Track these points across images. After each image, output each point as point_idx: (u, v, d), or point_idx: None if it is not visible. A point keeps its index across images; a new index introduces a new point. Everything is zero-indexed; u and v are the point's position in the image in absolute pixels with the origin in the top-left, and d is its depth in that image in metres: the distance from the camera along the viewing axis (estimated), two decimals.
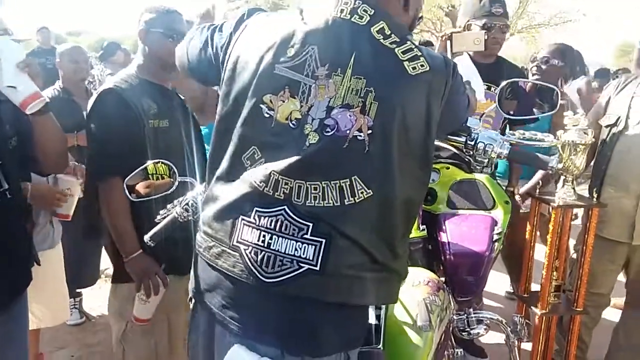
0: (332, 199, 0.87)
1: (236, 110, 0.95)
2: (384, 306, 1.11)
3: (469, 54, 2.24)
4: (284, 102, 0.91)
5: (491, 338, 2.37)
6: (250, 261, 0.90)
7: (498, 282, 3.24)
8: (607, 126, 2.10)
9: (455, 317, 1.38)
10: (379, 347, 1.04)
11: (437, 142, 1.18)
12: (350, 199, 0.88)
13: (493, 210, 1.46)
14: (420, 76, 0.89)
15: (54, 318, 2.00)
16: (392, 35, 0.91)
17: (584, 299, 2.20)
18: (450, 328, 1.34)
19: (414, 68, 0.89)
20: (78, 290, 2.75)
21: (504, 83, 1.13)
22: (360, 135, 0.87)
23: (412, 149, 0.90)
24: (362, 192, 0.88)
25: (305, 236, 0.88)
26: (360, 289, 0.91)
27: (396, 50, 0.90)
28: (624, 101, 2.07)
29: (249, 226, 0.91)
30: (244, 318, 0.92)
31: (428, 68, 0.89)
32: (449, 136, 1.11)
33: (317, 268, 0.87)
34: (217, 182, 0.99)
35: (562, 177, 1.88)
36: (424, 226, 1.39)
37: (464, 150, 1.09)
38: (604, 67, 6.40)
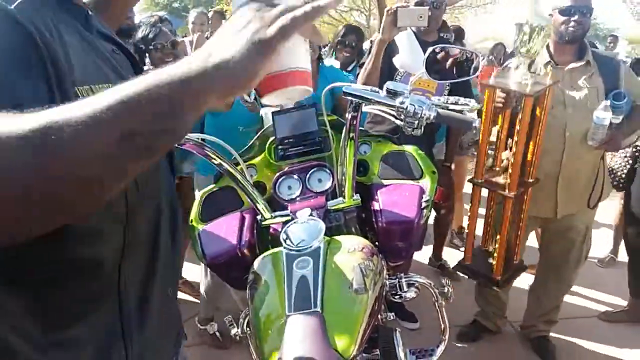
0: None
1: None
2: (320, 271, 1.14)
3: (414, 32, 2.31)
4: None
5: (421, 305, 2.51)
6: None
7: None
8: None
9: (387, 281, 1.44)
10: (317, 309, 1.07)
11: (375, 111, 1.23)
12: None
13: (421, 179, 1.53)
14: None
15: None
16: None
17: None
18: (384, 292, 1.40)
19: None
20: None
21: (430, 49, 1.18)
22: None
23: None
24: None
25: None
26: None
27: None
28: None
29: None
30: None
31: None
32: (380, 100, 1.15)
33: None
34: None
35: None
36: (358, 195, 1.43)
37: (396, 113, 1.13)
38: None
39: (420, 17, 1.95)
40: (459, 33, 4.32)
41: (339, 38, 3.37)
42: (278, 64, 0.61)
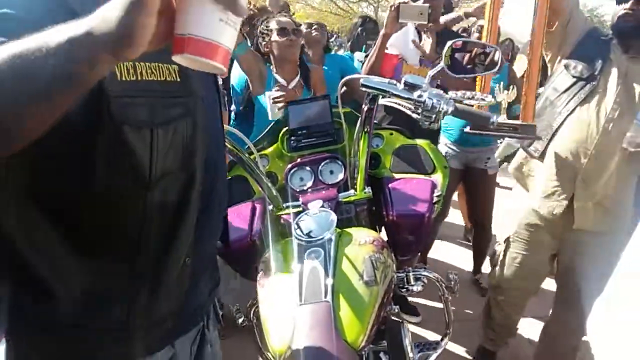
0: None
1: None
2: (331, 262, 1.14)
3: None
4: None
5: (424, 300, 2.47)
6: None
7: None
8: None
9: (395, 275, 1.45)
10: (327, 300, 1.07)
11: (391, 104, 1.23)
12: None
13: (433, 174, 1.53)
14: None
15: None
16: None
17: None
18: (392, 285, 1.40)
19: None
20: None
21: (449, 43, 1.18)
22: None
23: None
24: None
25: None
26: None
27: None
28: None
29: None
30: None
31: None
32: (398, 93, 1.15)
33: None
34: None
35: None
36: (369, 188, 1.43)
37: (413, 106, 1.13)
38: None
39: (421, 13, 2.01)
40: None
41: (359, 29, 3.33)
42: (178, 26, 0.57)
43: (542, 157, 1.95)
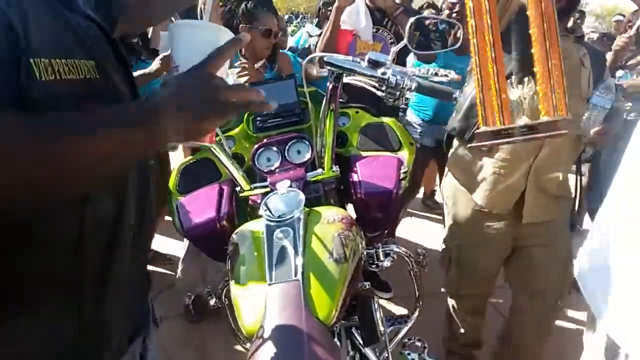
0: None
1: None
2: (301, 241, 1.15)
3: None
4: None
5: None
6: None
7: None
8: None
9: (365, 251, 1.47)
10: (297, 279, 1.08)
11: (355, 82, 1.23)
12: None
13: (399, 151, 1.55)
14: None
15: None
16: None
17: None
18: (362, 262, 1.42)
19: None
20: None
21: (412, 19, 1.18)
22: None
23: None
24: None
25: None
26: None
27: None
28: None
29: None
30: None
31: None
32: (362, 71, 1.15)
33: None
34: None
35: None
36: (337, 166, 1.43)
37: (377, 83, 1.14)
38: None
39: None
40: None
41: (321, 3, 3.31)
42: None
43: (489, 151, 1.82)
